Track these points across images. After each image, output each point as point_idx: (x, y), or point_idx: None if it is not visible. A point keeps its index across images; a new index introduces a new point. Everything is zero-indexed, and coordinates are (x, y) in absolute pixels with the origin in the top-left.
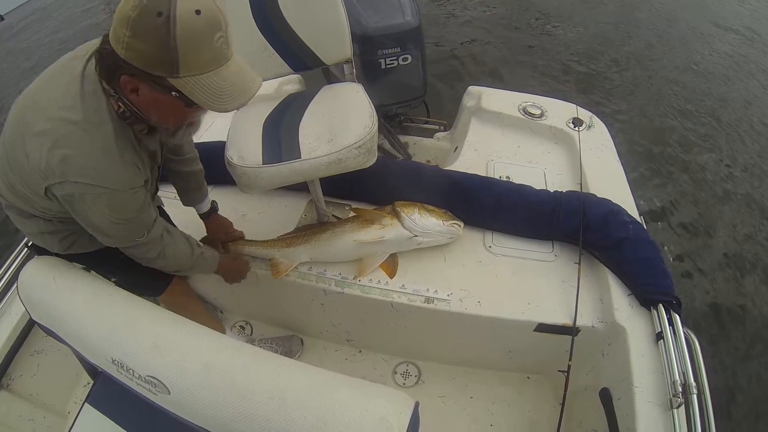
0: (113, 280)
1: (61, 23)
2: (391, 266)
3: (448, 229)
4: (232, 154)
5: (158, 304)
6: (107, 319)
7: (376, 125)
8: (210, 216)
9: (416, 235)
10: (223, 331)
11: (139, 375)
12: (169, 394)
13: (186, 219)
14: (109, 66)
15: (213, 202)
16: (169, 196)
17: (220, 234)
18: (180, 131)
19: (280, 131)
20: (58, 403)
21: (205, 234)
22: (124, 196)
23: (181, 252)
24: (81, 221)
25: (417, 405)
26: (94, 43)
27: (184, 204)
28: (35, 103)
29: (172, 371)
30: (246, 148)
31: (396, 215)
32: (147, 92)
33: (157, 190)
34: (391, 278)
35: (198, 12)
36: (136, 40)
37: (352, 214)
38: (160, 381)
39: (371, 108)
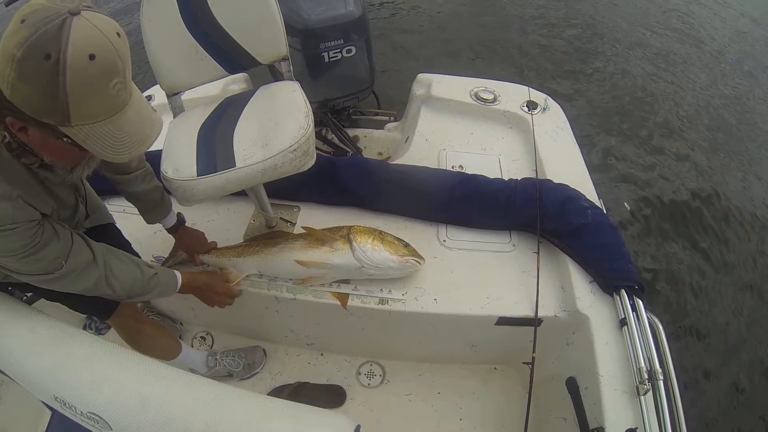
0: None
1: None
2: (343, 298)
3: (402, 266)
4: (167, 167)
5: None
6: (46, 355)
7: (312, 125)
8: (178, 229)
9: (365, 267)
10: (179, 349)
11: (81, 412)
12: (112, 430)
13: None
14: None
15: (179, 214)
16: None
17: (194, 246)
18: (78, 169)
19: (215, 139)
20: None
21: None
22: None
23: (127, 277)
24: None
25: (358, 428)
26: None
27: (148, 222)
28: None
29: (111, 408)
30: (181, 160)
31: (349, 242)
32: (36, 135)
33: (87, 215)
34: (344, 307)
35: (92, 57)
36: (21, 82)
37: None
38: (101, 418)
39: (307, 107)
